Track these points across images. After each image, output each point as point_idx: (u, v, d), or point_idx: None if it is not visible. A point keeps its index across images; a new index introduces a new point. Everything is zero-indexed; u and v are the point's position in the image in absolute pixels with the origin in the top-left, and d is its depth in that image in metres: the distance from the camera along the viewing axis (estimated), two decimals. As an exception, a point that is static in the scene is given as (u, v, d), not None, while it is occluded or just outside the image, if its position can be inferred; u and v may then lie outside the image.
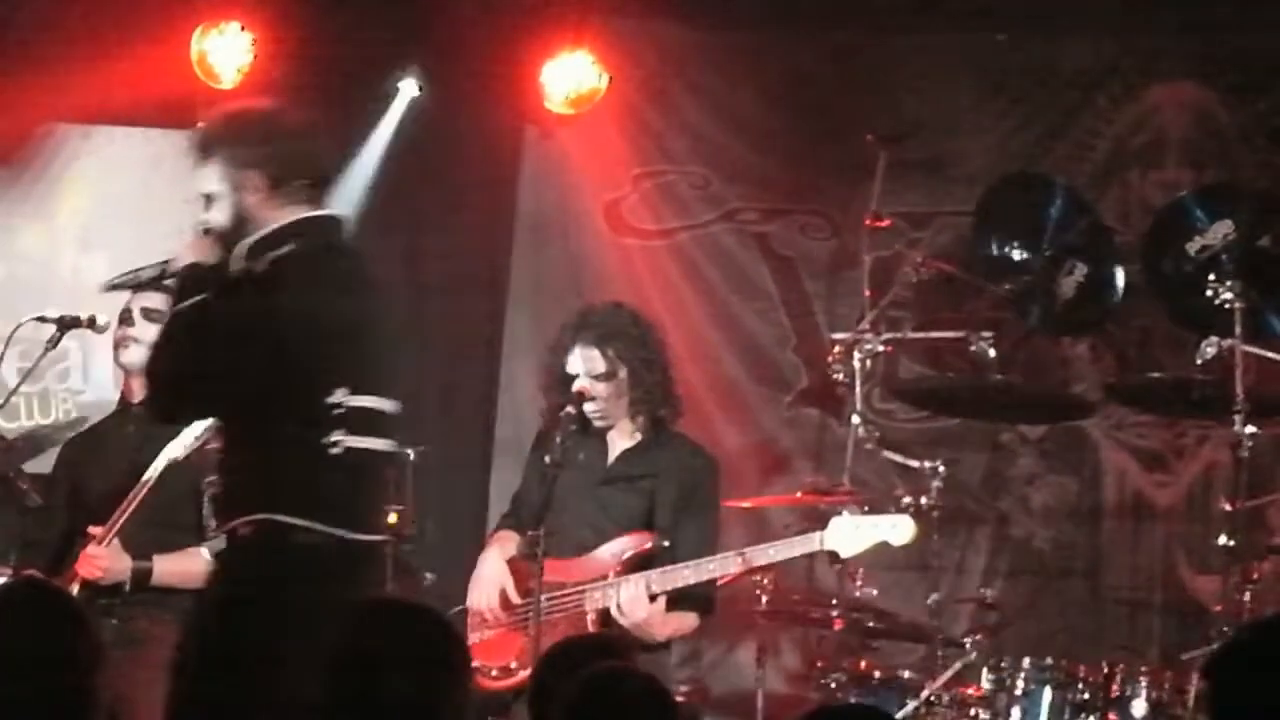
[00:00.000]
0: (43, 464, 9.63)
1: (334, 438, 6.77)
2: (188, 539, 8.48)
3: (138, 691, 7.87)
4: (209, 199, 6.98)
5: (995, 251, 10.33)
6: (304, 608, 6.57)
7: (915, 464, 9.26)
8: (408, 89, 11.45)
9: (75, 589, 8.40)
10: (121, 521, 8.45)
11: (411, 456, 10.12)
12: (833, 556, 8.31)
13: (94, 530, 8.52)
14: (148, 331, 8.26)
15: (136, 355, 8.46)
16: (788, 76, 11.17)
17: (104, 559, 8.51)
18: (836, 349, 9.70)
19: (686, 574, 8.12)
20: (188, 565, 8.50)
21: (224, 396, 6.90)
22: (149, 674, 7.77)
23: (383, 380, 7.05)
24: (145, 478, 8.46)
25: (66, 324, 8.69)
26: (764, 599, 8.84)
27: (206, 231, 7.04)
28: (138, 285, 7.82)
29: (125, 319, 8.71)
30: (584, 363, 8.31)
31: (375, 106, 11.53)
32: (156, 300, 8.25)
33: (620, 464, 8.52)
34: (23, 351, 8.64)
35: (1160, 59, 10.56)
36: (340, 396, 6.81)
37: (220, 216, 6.99)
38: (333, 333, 6.80)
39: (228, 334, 6.82)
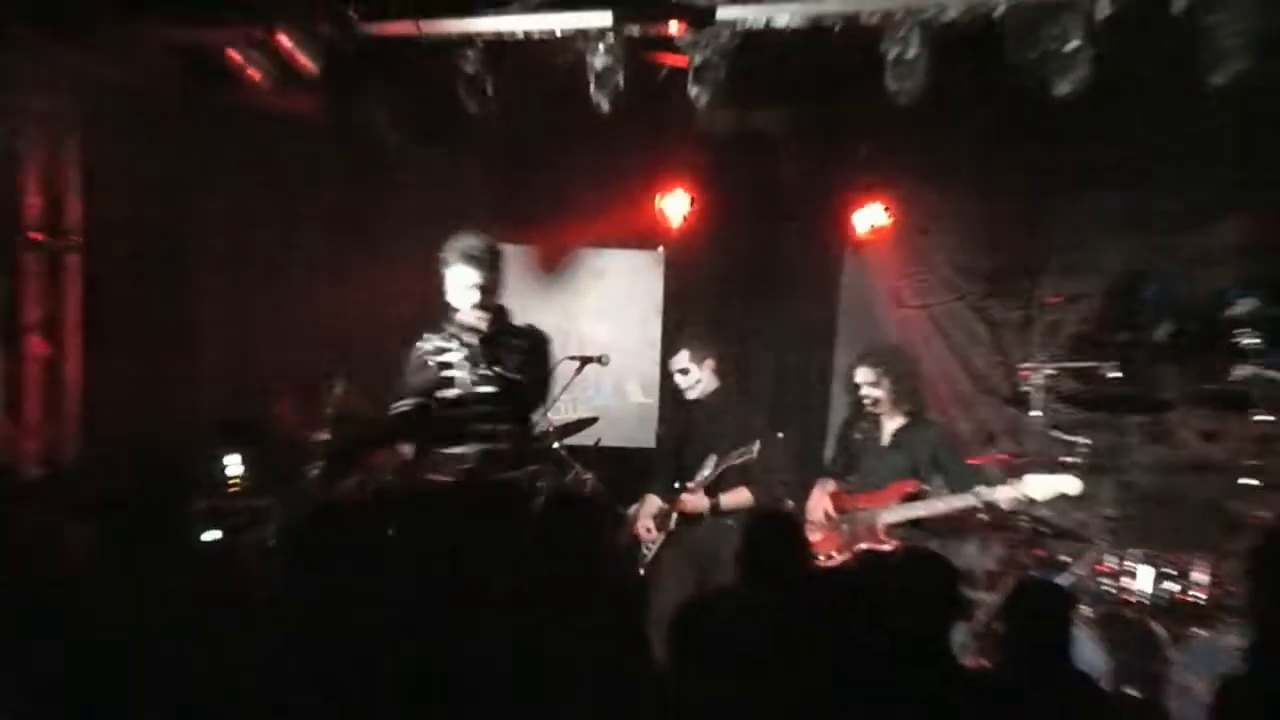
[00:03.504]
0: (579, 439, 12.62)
1: None
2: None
3: None
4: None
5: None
6: None
7: (1073, 439, 11.94)
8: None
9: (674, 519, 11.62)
10: (712, 475, 11.47)
11: (782, 436, 12.57)
12: (1027, 499, 11.02)
13: (690, 485, 11.64)
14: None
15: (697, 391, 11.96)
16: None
17: (692, 499, 11.60)
18: (1027, 372, 12.45)
19: (938, 505, 11.29)
20: (739, 499, 11.55)
21: None
22: None
23: None
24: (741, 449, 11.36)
25: (586, 360, 12.01)
26: (982, 515, 11.32)
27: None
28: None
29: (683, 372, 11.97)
30: (863, 376, 11.81)
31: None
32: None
33: (894, 437, 11.77)
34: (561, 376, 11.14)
35: None
36: None
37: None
38: None
39: None
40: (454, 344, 10.35)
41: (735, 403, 12.10)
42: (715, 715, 5.75)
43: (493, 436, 10.37)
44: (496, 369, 10.36)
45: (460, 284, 10.32)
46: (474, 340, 10.39)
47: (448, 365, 10.26)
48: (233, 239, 13.40)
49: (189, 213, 12.99)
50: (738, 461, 11.44)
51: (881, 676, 6.11)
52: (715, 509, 11.58)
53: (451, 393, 10.24)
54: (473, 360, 10.35)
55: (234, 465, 12.67)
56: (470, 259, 10.33)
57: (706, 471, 11.61)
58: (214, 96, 12.15)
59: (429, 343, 10.37)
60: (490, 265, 10.39)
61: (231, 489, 12.74)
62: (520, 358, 10.40)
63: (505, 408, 10.40)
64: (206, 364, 13.17)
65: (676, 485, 11.76)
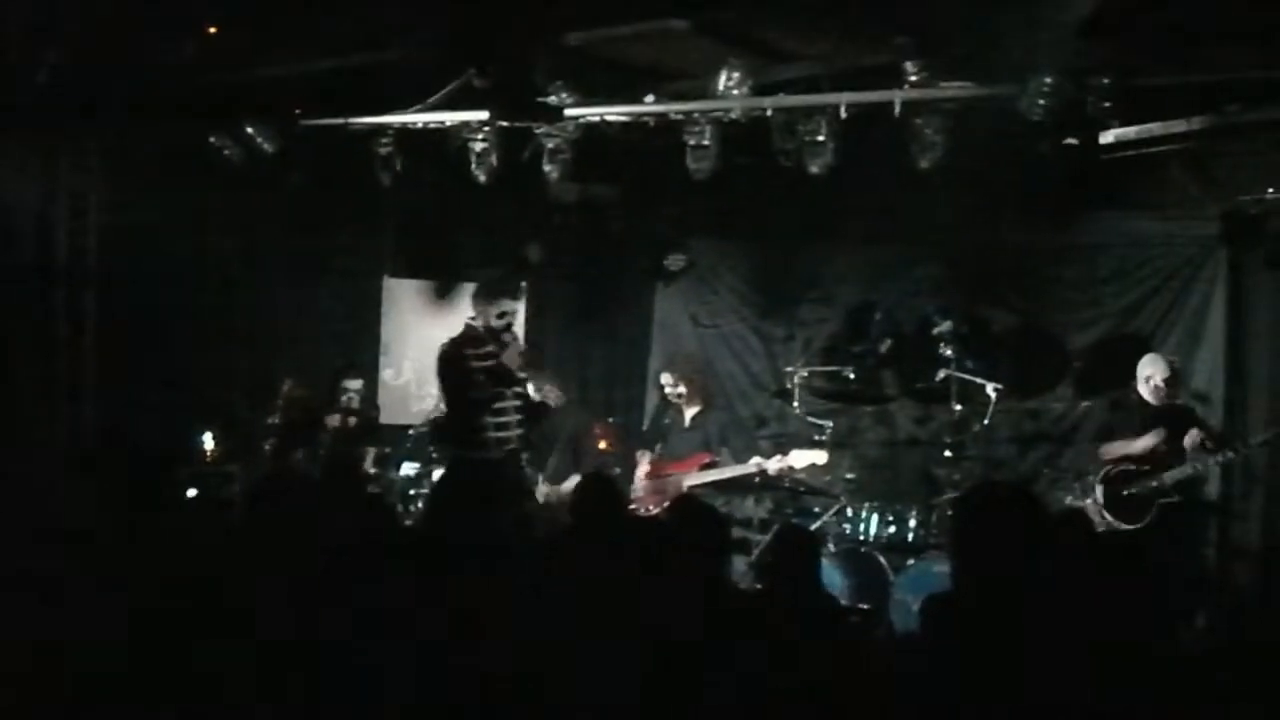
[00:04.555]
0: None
1: None
2: None
3: None
4: None
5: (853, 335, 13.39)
6: None
7: (822, 422, 12.11)
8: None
9: None
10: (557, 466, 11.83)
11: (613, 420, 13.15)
12: (790, 468, 11.35)
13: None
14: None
15: None
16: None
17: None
18: (789, 374, 12.49)
19: (726, 471, 11.47)
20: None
21: None
22: None
23: None
24: None
25: None
26: (757, 478, 11.46)
27: None
28: None
29: None
30: (667, 379, 11.99)
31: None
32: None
33: (693, 421, 11.88)
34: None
35: None
36: None
37: None
38: None
39: None
40: (490, 355, 10.17)
41: (574, 409, 12.09)
42: (557, 630, 5.56)
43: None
44: (523, 375, 10.33)
45: (495, 311, 10.14)
46: (508, 354, 10.20)
47: (487, 370, 10.11)
48: (214, 269, 13.42)
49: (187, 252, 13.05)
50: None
51: (675, 596, 5.97)
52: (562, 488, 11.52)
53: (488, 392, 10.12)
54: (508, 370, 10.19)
55: (208, 440, 12.70)
56: (508, 294, 10.26)
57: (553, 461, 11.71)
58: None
59: (467, 351, 10.21)
60: (517, 298, 10.33)
61: (208, 458, 12.73)
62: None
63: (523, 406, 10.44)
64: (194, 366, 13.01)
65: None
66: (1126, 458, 10.82)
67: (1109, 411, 11.39)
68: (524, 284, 10.51)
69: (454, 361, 10.11)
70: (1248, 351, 11.99)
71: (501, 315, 10.12)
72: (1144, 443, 10.73)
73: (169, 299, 12.63)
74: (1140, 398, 10.97)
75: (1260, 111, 10.13)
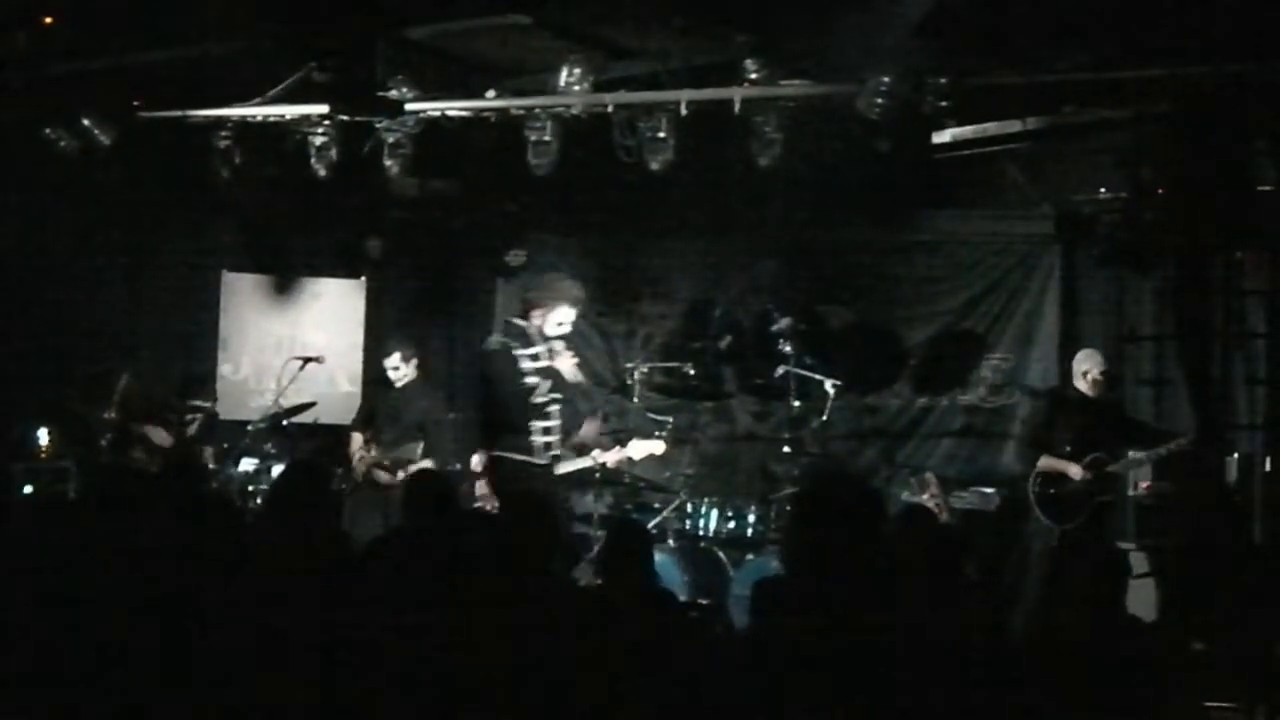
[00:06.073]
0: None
1: None
2: None
3: None
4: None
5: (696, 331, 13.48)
6: None
7: (661, 418, 12.28)
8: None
9: None
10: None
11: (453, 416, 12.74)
12: (629, 459, 11.06)
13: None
14: None
15: None
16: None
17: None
18: (629, 370, 12.66)
19: (566, 465, 10.72)
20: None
21: None
22: None
23: None
24: None
25: (308, 360, 12.42)
26: (597, 474, 11.04)
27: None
28: None
29: None
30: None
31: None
32: None
33: None
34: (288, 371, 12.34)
35: None
36: None
37: None
38: None
39: None
40: (542, 357, 10.12)
41: (428, 389, 12.18)
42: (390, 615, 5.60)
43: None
44: (568, 380, 10.19)
45: (556, 319, 10.10)
46: (562, 362, 10.20)
47: (540, 371, 10.05)
48: (49, 263, 13.24)
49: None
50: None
51: (481, 590, 5.96)
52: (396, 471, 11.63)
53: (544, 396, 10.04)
54: (559, 373, 10.14)
55: (43, 436, 12.57)
56: (576, 301, 10.20)
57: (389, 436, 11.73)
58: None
59: (517, 350, 10.09)
60: (575, 305, 10.22)
61: (43, 454, 12.61)
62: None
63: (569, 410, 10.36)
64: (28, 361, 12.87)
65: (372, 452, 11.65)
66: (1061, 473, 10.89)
67: (1050, 407, 11.43)
68: (580, 292, 10.44)
69: (504, 360, 10.03)
70: (1080, 349, 11.93)
71: (559, 324, 10.16)
72: (1075, 471, 10.77)
73: (2, 292, 12.52)
74: (1078, 392, 11.09)
75: (1093, 112, 10.38)
